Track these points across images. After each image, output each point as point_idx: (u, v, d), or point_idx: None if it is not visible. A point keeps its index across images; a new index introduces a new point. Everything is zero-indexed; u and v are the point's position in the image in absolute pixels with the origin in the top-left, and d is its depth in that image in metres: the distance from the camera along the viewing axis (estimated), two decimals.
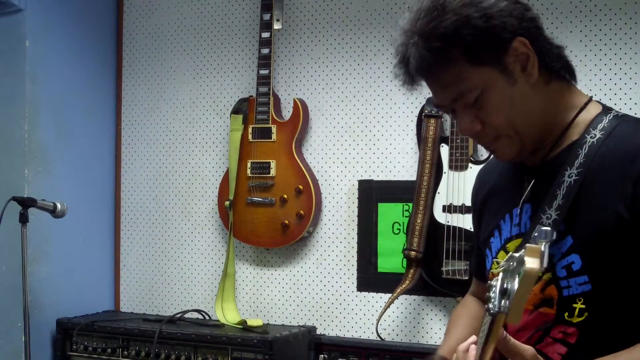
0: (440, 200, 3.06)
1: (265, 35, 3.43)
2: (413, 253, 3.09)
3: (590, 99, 1.59)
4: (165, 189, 3.81)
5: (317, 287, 3.46)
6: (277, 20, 3.43)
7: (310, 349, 3.15)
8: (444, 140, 3.08)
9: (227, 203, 3.48)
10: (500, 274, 1.24)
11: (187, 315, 3.52)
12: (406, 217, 3.22)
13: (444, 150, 3.07)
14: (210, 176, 3.68)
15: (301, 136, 3.44)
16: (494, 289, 1.23)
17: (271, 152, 3.42)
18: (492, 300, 1.22)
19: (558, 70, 1.55)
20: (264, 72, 3.43)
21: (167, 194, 3.80)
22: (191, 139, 3.75)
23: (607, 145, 1.48)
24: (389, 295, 3.18)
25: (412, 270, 3.13)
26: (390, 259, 3.29)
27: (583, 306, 1.46)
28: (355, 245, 3.38)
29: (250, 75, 3.58)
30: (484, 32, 1.44)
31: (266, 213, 3.42)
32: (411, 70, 1.49)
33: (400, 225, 3.27)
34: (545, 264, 1.27)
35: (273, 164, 3.40)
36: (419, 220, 3.10)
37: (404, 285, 3.12)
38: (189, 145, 3.75)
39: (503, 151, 1.55)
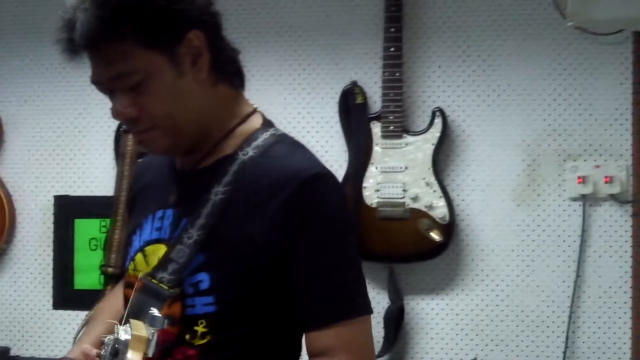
0: None
1: None
2: (110, 269, 3.07)
3: (254, 110, 1.52)
4: None
5: (12, 306, 3.34)
6: None
7: None
8: None
9: None
10: (110, 346, 1.31)
11: None
12: (104, 233, 3.20)
13: None
14: None
15: None
16: (105, 349, 1.29)
17: None
18: None
19: (228, 74, 1.47)
20: None
21: None
22: None
23: (259, 165, 1.41)
24: (86, 312, 3.14)
25: (110, 287, 3.11)
26: (87, 276, 3.25)
27: (205, 329, 1.39)
28: (51, 262, 3.31)
29: None
30: (162, 14, 1.35)
31: None
32: (75, 38, 1.34)
33: (97, 241, 3.25)
34: (151, 353, 1.28)
35: None
36: (116, 237, 3.09)
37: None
38: None
39: (155, 143, 1.44)
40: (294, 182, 1.37)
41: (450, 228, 2.92)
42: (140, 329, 1.30)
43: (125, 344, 1.24)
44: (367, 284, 1.44)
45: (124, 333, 1.29)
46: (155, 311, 1.34)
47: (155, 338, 1.29)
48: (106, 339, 1.37)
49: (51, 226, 3.31)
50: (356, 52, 3.08)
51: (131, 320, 1.34)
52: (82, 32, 1.33)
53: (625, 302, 2.90)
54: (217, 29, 1.45)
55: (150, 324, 1.31)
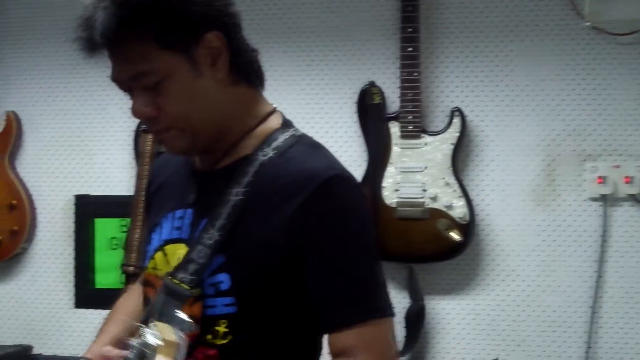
0: None
1: None
2: (131, 268, 3.09)
3: (273, 110, 1.52)
4: None
5: (33, 305, 3.37)
6: None
7: None
8: None
9: None
10: (137, 349, 1.29)
11: None
12: (124, 232, 3.22)
13: None
14: None
15: (14, 150, 3.34)
16: (132, 352, 1.28)
17: None
18: None
19: (247, 74, 1.47)
20: None
21: None
22: None
23: (279, 166, 1.42)
24: (108, 311, 3.15)
25: (130, 286, 3.13)
26: (108, 275, 3.27)
27: (227, 329, 1.39)
28: (73, 261, 3.33)
29: None
30: (181, 15, 1.35)
31: None
32: (94, 36, 1.35)
33: (118, 240, 3.27)
34: (181, 358, 1.28)
35: None
36: (136, 236, 3.11)
37: None
38: None
39: (173, 143, 1.44)
40: (314, 183, 1.37)
41: (469, 228, 2.91)
42: (168, 332, 1.29)
43: (154, 349, 1.23)
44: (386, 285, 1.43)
45: (152, 337, 1.28)
46: (182, 314, 1.35)
47: (184, 343, 1.29)
48: (132, 342, 1.36)
49: (71, 225, 3.33)
50: (373, 52, 3.08)
51: (157, 323, 1.33)
52: (102, 31, 1.33)
53: None
54: (236, 29, 1.45)
55: (180, 328, 1.32)
